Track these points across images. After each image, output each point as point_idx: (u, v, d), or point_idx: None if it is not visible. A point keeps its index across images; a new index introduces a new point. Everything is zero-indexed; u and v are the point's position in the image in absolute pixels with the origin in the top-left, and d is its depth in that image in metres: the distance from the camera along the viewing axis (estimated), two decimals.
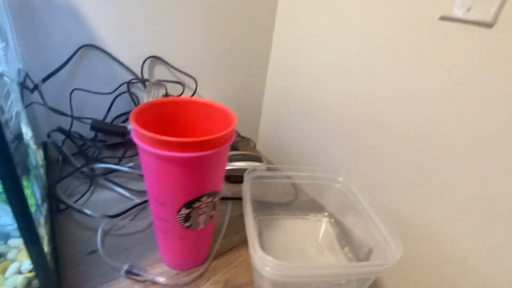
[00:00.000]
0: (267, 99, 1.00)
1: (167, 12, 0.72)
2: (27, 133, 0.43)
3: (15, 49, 0.55)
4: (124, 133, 0.66)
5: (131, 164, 0.62)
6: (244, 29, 0.86)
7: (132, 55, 0.72)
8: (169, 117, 0.40)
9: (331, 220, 0.57)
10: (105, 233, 0.47)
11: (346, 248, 0.52)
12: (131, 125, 0.33)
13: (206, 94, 0.87)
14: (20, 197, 0.28)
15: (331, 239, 0.53)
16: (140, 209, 0.53)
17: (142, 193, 0.56)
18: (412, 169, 0.63)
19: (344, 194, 0.52)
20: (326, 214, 0.58)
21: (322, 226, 0.56)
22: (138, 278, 0.40)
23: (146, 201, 0.53)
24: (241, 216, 0.55)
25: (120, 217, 0.50)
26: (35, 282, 0.33)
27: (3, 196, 0.35)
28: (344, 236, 0.54)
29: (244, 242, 0.50)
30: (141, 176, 0.61)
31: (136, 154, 0.67)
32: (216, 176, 0.36)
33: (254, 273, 0.42)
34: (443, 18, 0.53)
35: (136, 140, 0.33)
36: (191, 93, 0.82)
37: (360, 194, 0.49)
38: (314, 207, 0.58)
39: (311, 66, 0.83)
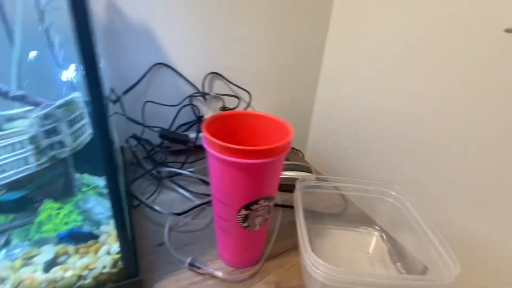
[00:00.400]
0: (316, 111, 1.02)
1: (226, 34, 0.80)
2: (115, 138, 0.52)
3: (104, 67, 0.65)
4: (187, 140, 0.73)
5: (192, 169, 0.69)
6: (296, 45, 0.90)
7: (195, 71, 0.80)
8: (233, 127, 0.44)
9: (382, 234, 0.56)
10: (170, 229, 0.53)
11: (398, 264, 0.51)
12: (203, 134, 0.38)
13: (259, 106, 0.92)
14: (117, 191, 0.34)
15: (382, 254, 0.53)
16: (200, 209, 0.58)
17: (201, 195, 0.62)
18: (472, 185, 0.60)
19: (397, 208, 0.52)
20: (377, 227, 0.57)
21: (373, 239, 0.56)
22: (199, 270, 0.45)
23: (205, 203, 0.59)
24: (290, 223, 0.57)
25: (183, 215, 0.55)
26: (120, 263, 0.39)
27: (98, 189, 0.43)
28: (396, 251, 0.53)
29: (293, 248, 0.52)
30: (200, 180, 0.67)
31: (196, 160, 0.74)
32: (272, 182, 0.40)
33: (306, 277, 0.44)
34: (509, 30, 0.51)
35: (206, 146, 0.38)
36: (246, 106, 0.88)
37: (414, 209, 0.48)
38: (364, 220, 0.58)
39: (361, 79, 0.83)
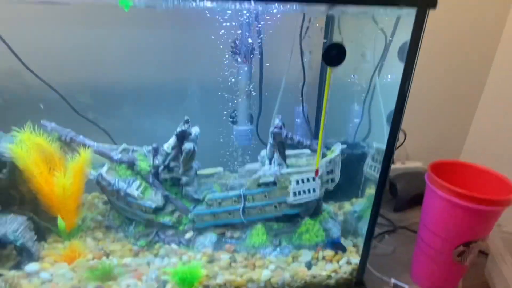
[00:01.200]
0: (467, 154, 1.03)
1: None
2: None
3: None
4: None
5: None
6: (450, 91, 0.95)
7: None
8: (451, 173, 0.52)
9: None
10: None
11: None
12: (429, 175, 0.48)
13: (411, 144, 0.99)
14: (374, 220, 0.47)
15: None
16: (380, 237, 0.68)
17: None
18: None
19: None
20: None
21: None
22: None
23: (385, 232, 0.69)
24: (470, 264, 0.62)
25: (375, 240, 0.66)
26: (354, 272, 0.51)
27: (329, 214, 0.56)
28: None
29: (482, 284, 0.56)
30: None
31: None
32: (492, 227, 0.47)
33: None
34: None
35: (431, 187, 0.48)
36: (399, 144, 0.96)
37: None
38: None
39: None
